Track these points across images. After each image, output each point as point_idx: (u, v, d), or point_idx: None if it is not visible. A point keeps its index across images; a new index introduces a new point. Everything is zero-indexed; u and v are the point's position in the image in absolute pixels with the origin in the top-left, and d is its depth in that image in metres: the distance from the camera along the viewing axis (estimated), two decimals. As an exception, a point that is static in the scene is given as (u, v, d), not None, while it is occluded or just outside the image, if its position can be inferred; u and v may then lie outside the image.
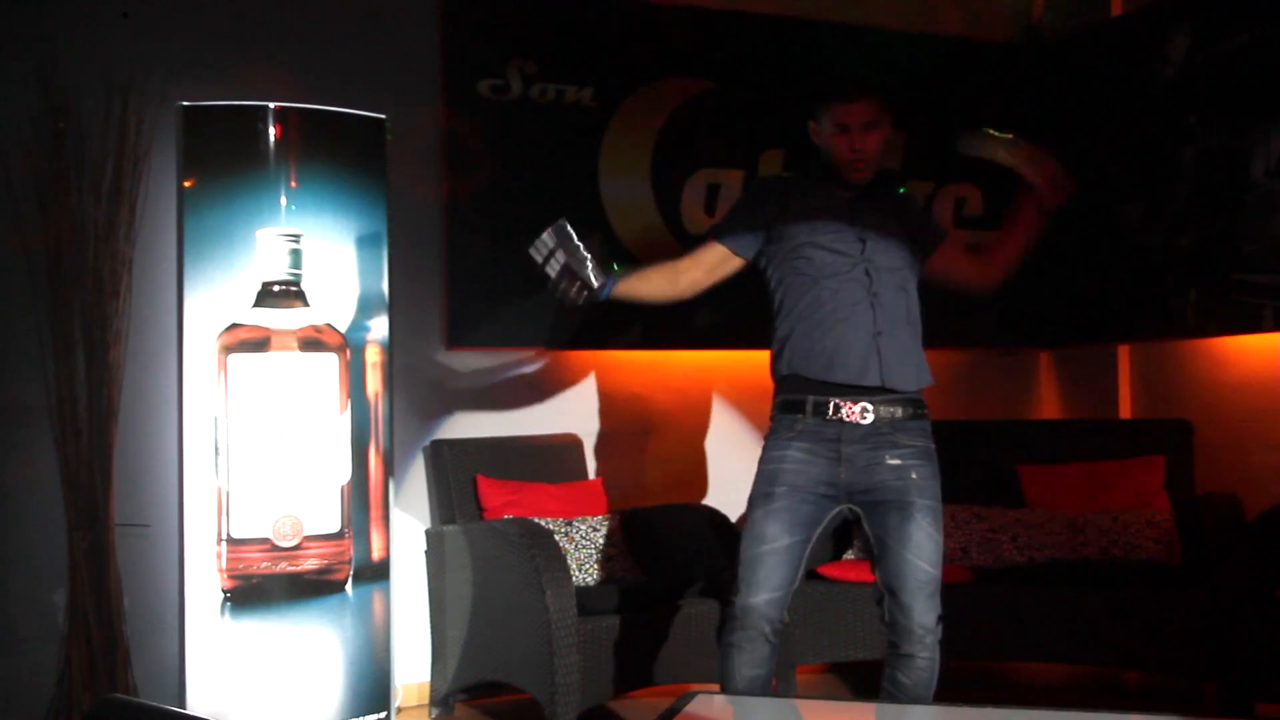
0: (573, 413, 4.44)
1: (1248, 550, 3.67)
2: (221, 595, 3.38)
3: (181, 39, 3.87)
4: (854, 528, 2.87)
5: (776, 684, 3.97)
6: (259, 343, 3.41)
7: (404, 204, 3.91)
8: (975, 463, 4.36)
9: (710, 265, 2.94)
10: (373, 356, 3.60)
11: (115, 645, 3.61)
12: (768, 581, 2.74)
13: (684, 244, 4.57)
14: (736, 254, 2.93)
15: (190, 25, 3.90)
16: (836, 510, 2.81)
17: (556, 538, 3.74)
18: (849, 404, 2.75)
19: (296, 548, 3.41)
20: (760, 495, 2.80)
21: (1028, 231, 2.94)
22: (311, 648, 3.46)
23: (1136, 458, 4.31)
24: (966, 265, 3.03)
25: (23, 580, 3.70)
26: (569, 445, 4.35)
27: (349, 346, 3.52)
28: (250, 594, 3.38)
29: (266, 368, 3.41)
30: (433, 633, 4.00)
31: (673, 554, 4.02)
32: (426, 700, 4.07)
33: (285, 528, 3.40)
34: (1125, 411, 4.90)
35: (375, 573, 3.57)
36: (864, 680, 4.17)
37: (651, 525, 4.10)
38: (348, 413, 3.51)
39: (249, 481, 3.39)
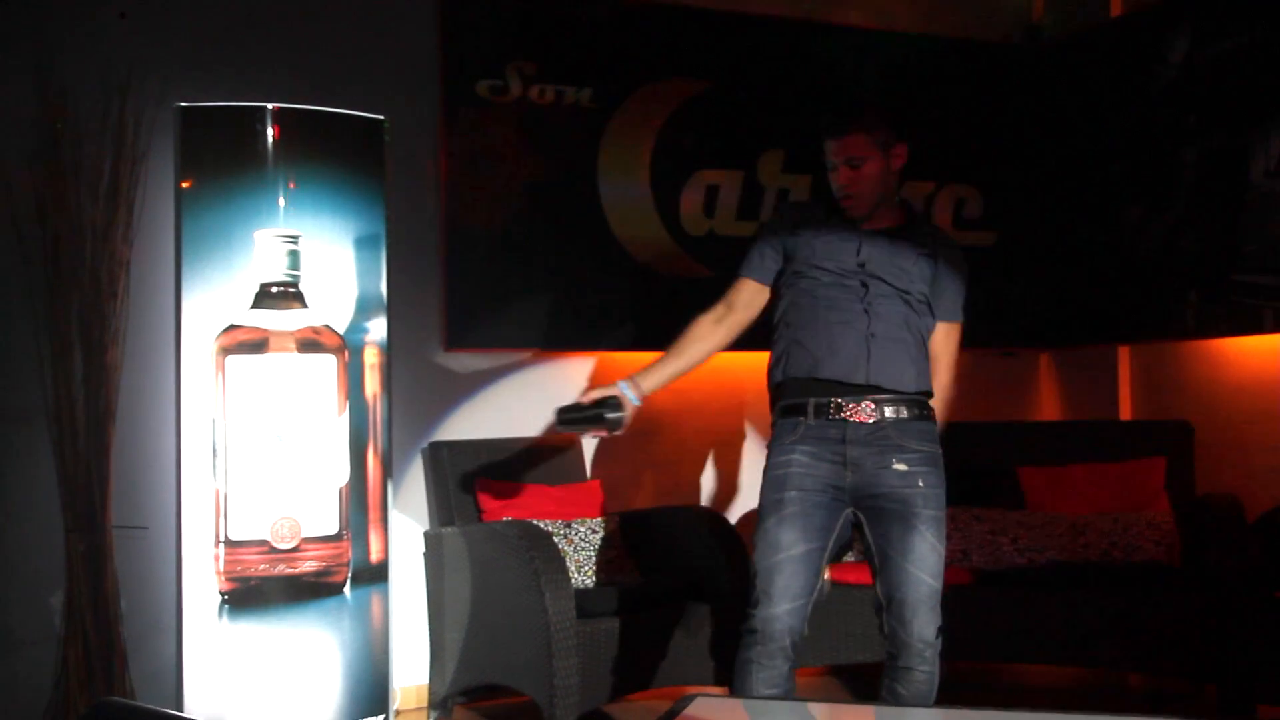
0: (571, 415, 4.44)
1: (1248, 552, 3.68)
2: (219, 597, 3.38)
3: (179, 39, 3.88)
4: (855, 531, 2.86)
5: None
6: (257, 344, 3.41)
7: (402, 205, 3.92)
8: (975, 464, 4.36)
9: (744, 303, 2.94)
10: (371, 358, 3.60)
11: (112, 648, 3.61)
12: (788, 590, 2.69)
13: (683, 246, 4.61)
14: (763, 284, 2.94)
15: (188, 25, 3.90)
16: (847, 513, 2.78)
17: (555, 540, 3.75)
18: (851, 403, 2.74)
19: (295, 550, 3.41)
20: (771, 503, 2.77)
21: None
22: (309, 650, 3.46)
23: (1137, 459, 4.32)
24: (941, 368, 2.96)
25: (19, 582, 3.70)
26: (568, 447, 4.35)
27: (347, 348, 3.53)
28: (248, 596, 3.39)
29: (264, 369, 3.42)
30: (431, 635, 4.00)
31: (672, 556, 4.02)
32: (425, 703, 4.07)
33: (283, 530, 3.41)
34: (1126, 413, 4.91)
35: (373, 575, 3.58)
36: (864, 682, 4.18)
37: (650, 527, 4.11)
38: (346, 414, 3.52)
39: (247, 483, 3.40)
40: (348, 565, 3.51)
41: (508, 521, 3.84)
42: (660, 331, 4.67)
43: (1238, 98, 4.27)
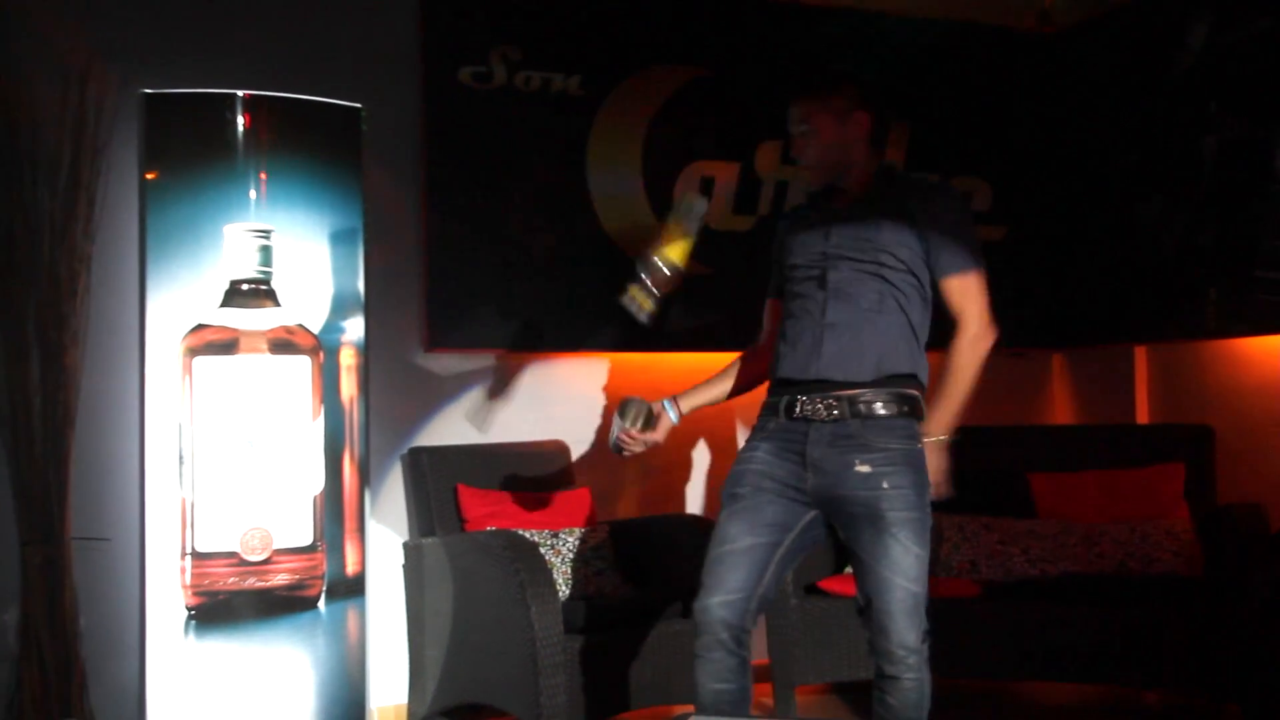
0: (559, 418, 4.43)
1: (1273, 563, 3.67)
2: (185, 613, 3.37)
3: (143, 22, 3.86)
4: (830, 536, 2.86)
5: (775, 705, 3.98)
6: (226, 344, 3.41)
7: (381, 198, 3.92)
8: (984, 470, 4.35)
9: (772, 324, 3.02)
10: (347, 359, 3.60)
11: (71, 667, 3.60)
12: (723, 583, 2.73)
13: (677, 240, 4.57)
14: (780, 301, 3.00)
15: (153, 7, 3.89)
16: (812, 515, 2.78)
17: (542, 550, 3.74)
18: (812, 401, 2.75)
19: (266, 562, 3.41)
20: (725, 496, 2.84)
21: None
22: (281, 669, 3.45)
23: (1155, 465, 4.31)
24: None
25: (-28, 598, 3.69)
26: (555, 452, 4.35)
27: (322, 348, 3.53)
28: (216, 612, 3.38)
29: (234, 371, 3.42)
30: (410, 652, 3.99)
31: (665, 568, 4.01)
32: (404, 724, 4.06)
33: (254, 541, 3.40)
34: (1143, 416, 4.92)
35: (350, 588, 3.57)
36: (868, 701, 4.15)
37: (642, 537, 4.10)
38: (321, 419, 3.52)
39: (215, 492, 3.39)
40: (322, 578, 3.50)
41: (492, 531, 3.83)
42: (653, 331, 4.64)
43: (1261, 84, 4.27)
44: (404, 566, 4.04)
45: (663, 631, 3.73)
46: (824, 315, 2.77)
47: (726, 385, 3.04)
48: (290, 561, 3.45)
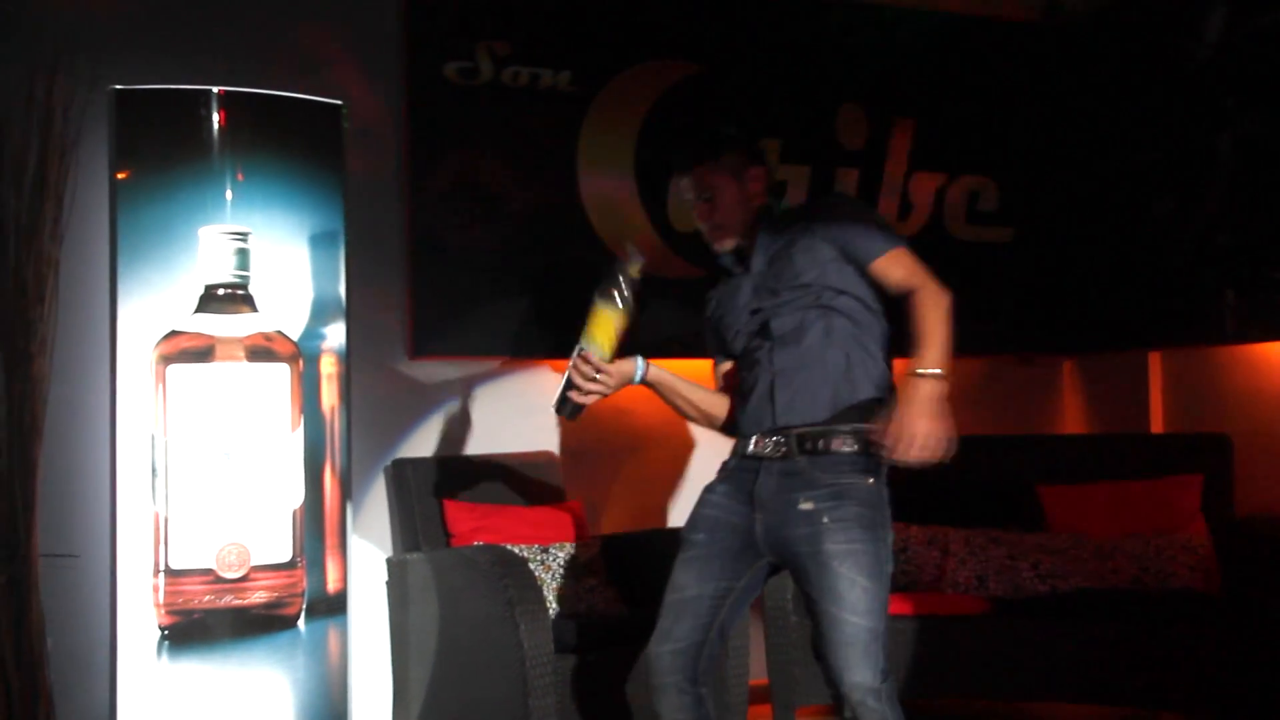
0: (549, 429, 4.44)
1: (1293, 578, 3.68)
2: (158, 633, 3.36)
3: (114, 15, 3.86)
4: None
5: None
6: (201, 352, 3.40)
7: (362, 199, 3.91)
8: (992, 482, 4.37)
9: (725, 382, 3.09)
10: (328, 367, 3.59)
11: (37, 691, 3.58)
12: (671, 633, 2.84)
13: (670, 242, 4.59)
14: (722, 361, 3.08)
15: None
16: (762, 563, 2.83)
17: (531, 566, 3.74)
18: (766, 438, 2.82)
19: (243, 579, 3.40)
20: (682, 539, 2.92)
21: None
22: (259, 691, 3.44)
23: (1170, 476, 4.32)
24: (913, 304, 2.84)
25: (-66, 619, 3.67)
26: (544, 464, 4.35)
27: (302, 356, 3.52)
28: (191, 631, 3.37)
29: (210, 380, 3.41)
30: (394, 672, 3.97)
31: (659, 584, 3.99)
32: (387, 748, 4.05)
33: (230, 557, 3.39)
34: (1157, 425, 4.93)
35: (331, 606, 3.57)
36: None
37: (635, 552, 4.09)
38: (300, 429, 3.51)
39: (190, 506, 3.38)
40: (302, 596, 3.50)
41: (479, 546, 3.83)
42: (645, 337, 4.64)
43: (1279, 78, 4.26)
44: (387, 583, 4.03)
45: (658, 651, 3.73)
46: (772, 364, 2.84)
47: (699, 396, 3.07)
48: (268, 579, 3.43)
